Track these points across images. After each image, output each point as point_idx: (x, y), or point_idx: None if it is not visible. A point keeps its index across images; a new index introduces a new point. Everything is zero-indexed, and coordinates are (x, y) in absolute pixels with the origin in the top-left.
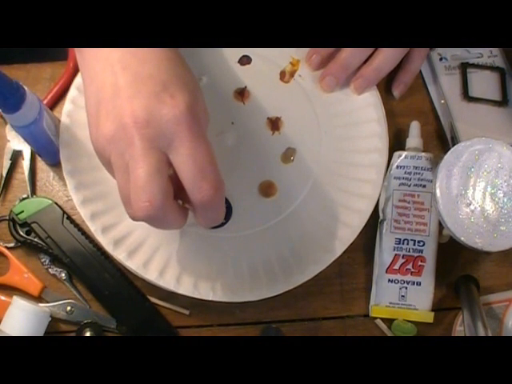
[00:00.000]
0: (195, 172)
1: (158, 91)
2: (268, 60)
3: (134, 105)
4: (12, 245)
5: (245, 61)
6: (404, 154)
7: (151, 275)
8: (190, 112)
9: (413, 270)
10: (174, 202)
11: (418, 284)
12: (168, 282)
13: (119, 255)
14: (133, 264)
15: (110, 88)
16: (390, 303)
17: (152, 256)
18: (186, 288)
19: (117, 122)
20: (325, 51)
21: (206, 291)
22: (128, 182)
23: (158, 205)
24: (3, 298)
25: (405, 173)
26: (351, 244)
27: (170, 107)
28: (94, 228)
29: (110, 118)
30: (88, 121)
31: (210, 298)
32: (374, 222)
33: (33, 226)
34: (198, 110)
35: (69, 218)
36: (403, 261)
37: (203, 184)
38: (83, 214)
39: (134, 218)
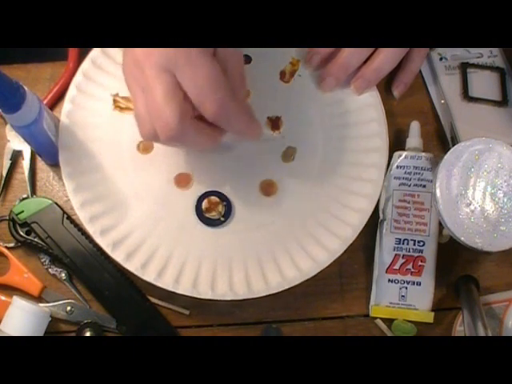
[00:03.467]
0: (197, 92)
1: None
2: (268, 60)
3: None
4: (12, 245)
5: (245, 60)
6: (404, 153)
7: (149, 276)
8: None
9: (413, 270)
10: (194, 120)
11: (418, 284)
12: (167, 283)
13: (118, 257)
14: (131, 266)
15: None
16: (390, 303)
17: (151, 257)
18: (184, 288)
19: (130, 54)
20: (325, 51)
21: (205, 290)
22: (145, 106)
23: (175, 125)
24: (3, 297)
25: (405, 173)
26: (351, 244)
27: None
28: (92, 230)
29: (127, 52)
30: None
31: (209, 297)
32: (374, 222)
33: (33, 226)
34: None
35: (69, 218)
36: (403, 261)
37: (206, 102)
38: (82, 216)
39: (158, 141)
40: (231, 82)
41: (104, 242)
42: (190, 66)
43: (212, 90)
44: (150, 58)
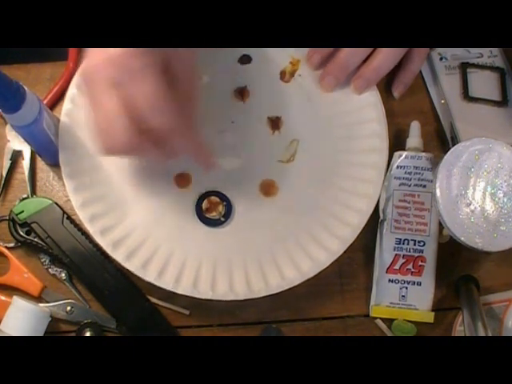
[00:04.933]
0: (142, 108)
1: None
2: (268, 59)
3: (95, 52)
4: (12, 245)
5: (245, 60)
6: (404, 154)
7: (150, 276)
8: (130, 53)
9: (413, 270)
10: (145, 135)
11: (419, 284)
12: (167, 283)
13: (118, 257)
14: (131, 265)
15: None
16: (391, 303)
17: (151, 257)
18: (184, 288)
19: (82, 67)
20: (325, 51)
21: (206, 290)
22: (98, 119)
23: (125, 140)
24: (3, 298)
25: (405, 173)
26: (351, 244)
27: (116, 50)
28: (92, 230)
29: (81, 66)
30: None
31: (210, 297)
32: (374, 222)
33: (33, 226)
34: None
35: (69, 218)
36: (403, 261)
37: (150, 118)
38: (82, 216)
39: (111, 154)
40: (182, 100)
41: (104, 242)
42: (134, 81)
43: (155, 107)
44: (98, 72)
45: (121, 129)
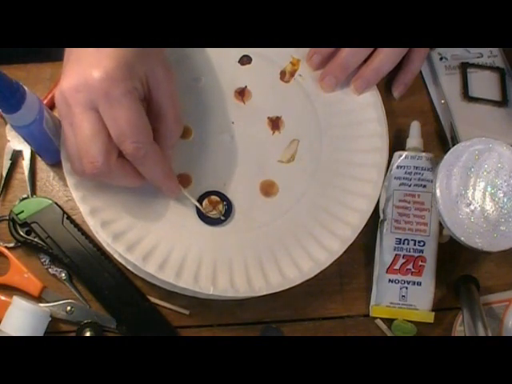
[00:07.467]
0: (116, 133)
1: (92, 62)
2: (268, 60)
3: (72, 72)
4: (12, 245)
5: (245, 60)
6: (404, 154)
7: (151, 268)
8: (108, 78)
9: (413, 270)
10: (120, 159)
11: (419, 284)
12: (168, 276)
13: (119, 248)
14: (132, 257)
15: (74, 55)
16: (391, 303)
17: (152, 250)
18: (186, 281)
19: (59, 88)
20: (325, 51)
21: (207, 285)
22: (74, 142)
23: (100, 163)
24: (3, 298)
25: (405, 173)
26: (351, 244)
27: (94, 73)
28: (93, 222)
29: (57, 88)
30: None
31: (211, 292)
32: (374, 222)
33: (33, 225)
34: (121, 75)
35: (69, 217)
36: (404, 261)
37: (123, 143)
38: (83, 209)
39: (86, 177)
40: (164, 126)
41: (104, 234)
42: (110, 107)
43: (130, 133)
44: (75, 95)
45: (96, 151)
